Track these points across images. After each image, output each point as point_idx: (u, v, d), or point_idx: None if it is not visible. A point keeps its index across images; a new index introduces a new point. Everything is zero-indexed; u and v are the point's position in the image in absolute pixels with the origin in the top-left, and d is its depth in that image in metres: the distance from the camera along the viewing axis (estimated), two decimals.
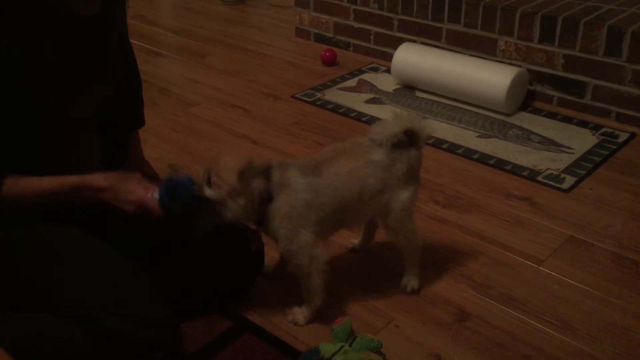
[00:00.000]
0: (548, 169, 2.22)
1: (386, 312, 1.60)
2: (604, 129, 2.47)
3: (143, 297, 1.31)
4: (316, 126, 2.54)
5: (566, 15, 2.54)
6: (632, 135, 2.43)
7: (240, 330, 1.52)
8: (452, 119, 2.57)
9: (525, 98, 2.65)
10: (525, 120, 2.55)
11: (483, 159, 2.28)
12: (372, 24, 3.14)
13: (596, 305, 1.62)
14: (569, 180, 2.15)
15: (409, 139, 1.51)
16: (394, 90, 2.83)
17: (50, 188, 1.32)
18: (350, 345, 1.36)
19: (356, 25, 3.20)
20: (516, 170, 2.21)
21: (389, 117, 1.56)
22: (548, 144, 2.38)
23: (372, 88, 2.86)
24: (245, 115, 2.65)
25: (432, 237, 1.86)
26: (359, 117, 2.60)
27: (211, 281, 1.54)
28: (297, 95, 2.80)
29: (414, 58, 2.78)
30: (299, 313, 1.55)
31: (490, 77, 2.54)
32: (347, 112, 2.64)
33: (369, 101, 2.74)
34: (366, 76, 2.98)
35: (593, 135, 2.44)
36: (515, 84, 2.53)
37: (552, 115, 2.58)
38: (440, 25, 2.88)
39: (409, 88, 2.84)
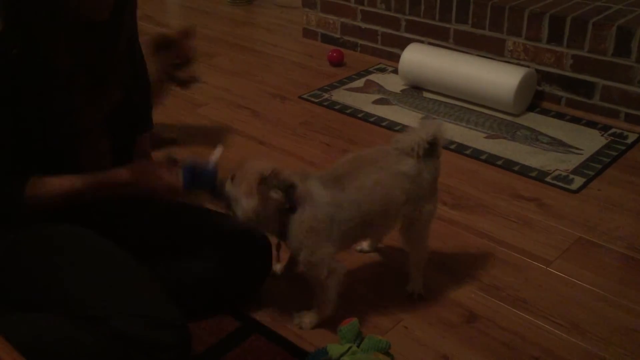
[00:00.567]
0: (556, 169, 2.21)
1: (394, 313, 1.59)
2: (612, 130, 2.46)
3: (152, 298, 1.31)
4: (323, 127, 2.54)
5: (575, 15, 2.53)
6: None
7: (248, 331, 1.52)
8: (459, 120, 2.56)
9: (533, 99, 2.64)
10: (533, 121, 2.54)
11: (491, 160, 2.28)
12: (379, 25, 3.14)
13: (605, 307, 1.61)
14: (578, 181, 2.14)
15: (431, 148, 1.48)
16: (402, 90, 2.83)
17: (75, 187, 1.33)
18: (358, 346, 1.36)
19: (363, 25, 3.20)
20: (524, 171, 2.20)
21: (415, 124, 1.53)
22: (556, 144, 2.37)
23: (380, 89, 2.86)
24: (253, 116, 2.65)
25: (440, 239, 1.86)
26: (366, 117, 2.60)
27: (219, 282, 1.54)
28: (305, 96, 2.80)
29: (421, 58, 2.77)
30: (307, 317, 1.54)
31: (499, 78, 2.54)
32: (354, 113, 2.64)
33: (376, 102, 2.74)
34: (373, 77, 2.98)
35: (602, 136, 2.43)
36: (523, 84, 2.52)
37: (560, 116, 2.57)
38: (447, 25, 2.88)
39: (416, 89, 2.83)
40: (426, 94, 2.78)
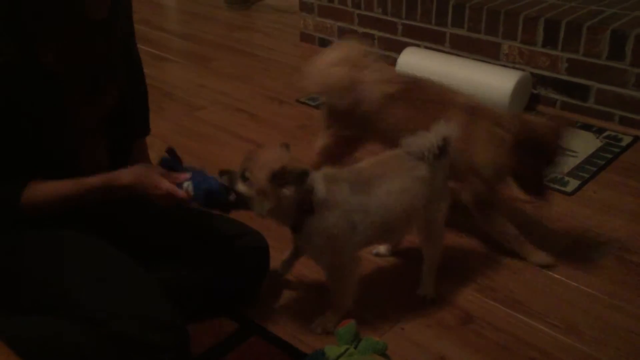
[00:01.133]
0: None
1: (391, 315, 1.60)
2: (607, 133, 2.48)
3: (150, 300, 1.32)
4: None
5: (569, 19, 2.55)
6: (636, 139, 2.43)
7: (246, 333, 1.53)
8: None
9: (528, 102, 2.66)
10: None
11: None
12: (376, 29, 3.15)
13: (601, 309, 1.62)
14: (573, 183, 2.16)
15: (441, 148, 1.49)
16: None
17: (76, 190, 1.34)
18: (355, 348, 1.37)
19: (360, 29, 3.21)
20: None
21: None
22: None
23: None
24: (251, 119, 2.67)
25: None
26: None
27: (218, 283, 1.55)
28: (302, 100, 2.81)
29: (417, 62, 2.78)
30: (328, 321, 1.53)
31: (494, 81, 2.55)
32: None
33: None
34: None
35: (597, 138, 2.45)
36: (518, 87, 2.53)
37: None
38: (444, 29, 2.89)
39: None
40: None
